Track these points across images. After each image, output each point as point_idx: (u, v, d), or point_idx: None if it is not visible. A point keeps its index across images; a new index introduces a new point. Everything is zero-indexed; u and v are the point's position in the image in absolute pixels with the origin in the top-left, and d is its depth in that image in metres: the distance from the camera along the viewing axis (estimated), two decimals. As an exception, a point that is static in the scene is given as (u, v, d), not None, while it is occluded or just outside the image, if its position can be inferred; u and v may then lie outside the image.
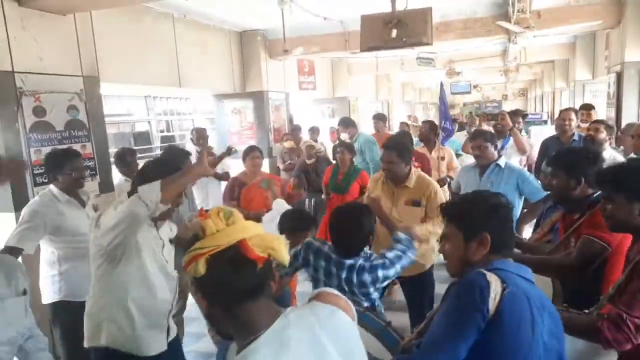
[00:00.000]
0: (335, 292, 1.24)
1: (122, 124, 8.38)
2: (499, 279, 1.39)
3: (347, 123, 6.09)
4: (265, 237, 1.12)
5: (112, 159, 4.35)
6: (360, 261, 2.19)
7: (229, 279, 1.09)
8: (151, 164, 2.42)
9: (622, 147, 4.32)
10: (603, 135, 3.84)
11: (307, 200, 6.07)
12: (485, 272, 1.41)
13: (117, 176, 4.36)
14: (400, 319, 3.55)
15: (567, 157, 2.23)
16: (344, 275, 2.17)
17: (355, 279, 2.15)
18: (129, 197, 2.14)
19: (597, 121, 4.17)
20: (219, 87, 6.67)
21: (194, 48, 5.84)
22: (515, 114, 5.63)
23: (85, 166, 3.86)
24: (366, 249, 2.28)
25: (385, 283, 2.30)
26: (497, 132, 4.78)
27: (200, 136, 5.38)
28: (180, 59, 5.55)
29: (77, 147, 3.89)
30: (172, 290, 2.41)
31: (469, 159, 4.93)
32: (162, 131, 8.45)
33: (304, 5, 5.29)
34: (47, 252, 2.93)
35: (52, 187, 2.93)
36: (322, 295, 1.22)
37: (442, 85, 5.69)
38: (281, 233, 2.69)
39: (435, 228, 3.02)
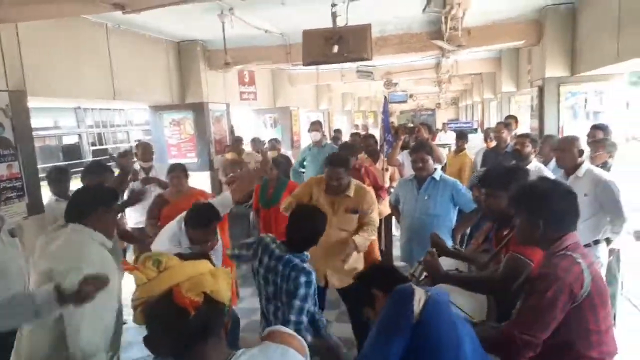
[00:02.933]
0: (289, 331, 1.26)
1: (48, 137, 7.88)
2: (423, 289, 1.53)
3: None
4: (200, 279, 1.08)
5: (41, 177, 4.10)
6: (296, 260, 2.36)
7: (166, 329, 1.07)
8: (81, 194, 2.30)
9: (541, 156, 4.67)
10: (529, 148, 4.17)
11: (250, 214, 6.04)
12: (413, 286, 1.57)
13: (46, 194, 4.11)
14: (347, 330, 3.64)
15: (502, 178, 2.38)
16: (280, 268, 2.34)
17: (288, 273, 2.30)
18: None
19: (523, 135, 4.50)
20: (157, 98, 6.46)
21: (129, 59, 5.63)
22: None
23: (10, 187, 3.63)
24: (306, 253, 2.46)
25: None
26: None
27: (145, 152, 5.22)
28: (115, 70, 5.33)
29: (2, 166, 3.64)
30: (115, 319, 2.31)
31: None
32: (93, 144, 8.03)
33: (244, 18, 5.27)
34: None
35: None
36: (274, 335, 1.22)
37: (385, 99, 5.88)
38: (192, 229, 2.71)
39: (371, 235, 3.35)
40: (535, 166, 4.12)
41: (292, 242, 2.44)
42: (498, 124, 6.01)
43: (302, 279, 2.28)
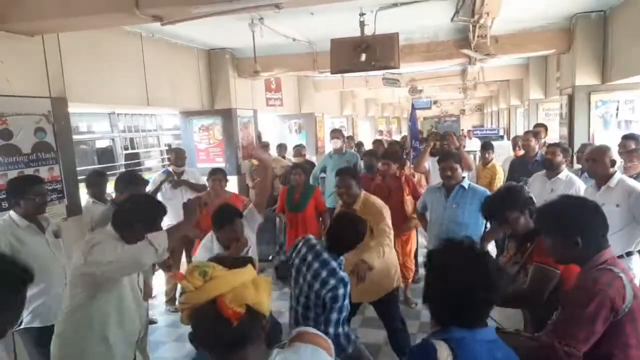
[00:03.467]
0: (315, 331, 1.32)
1: (83, 141, 8.17)
2: (450, 353, 1.29)
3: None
4: (242, 291, 1.13)
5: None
6: (334, 264, 2.45)
7: (208, 334, 1.14)
8: (128, 210, 2.38)
9: (580, 165, 4.62)
10: (560, 158, 4.12)
11: (277, 219, 6.14)
12: (437, 343, 1.32)
13: (84, 197, 4.28)
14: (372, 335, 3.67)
15: (505, 200, 2.45)
16: (316, 265, 2.45)
17: (323, 273, 2.41)
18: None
19: (554, 145, 4.46)
20: (187, 105, 6.63)
21: (162, 67, 5.81)
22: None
23: (51, 189, 3.80)
24: (342, 257, 2.57)
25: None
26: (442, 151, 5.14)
27: (178, 157, 5.44)
28: (149, 77, 5.51)
29: (44, 169, 3.81)
30: (142, 318, 2.42)
31: None
32: (126, 148, 8.28)
33: (274, 27, 5.38)
34: None
35: (12, 213, 2.89)
36: (302, 335, 1.28)
37: (413, 106, 5.91)
38: (218, 230, 2.89)
39: (383, 246, 3.23)
40: (566, 175, 4.09)
41: (333, 245, 2.54)
42: (526, 132, 5.97)
43: (341, 291, 2.34)
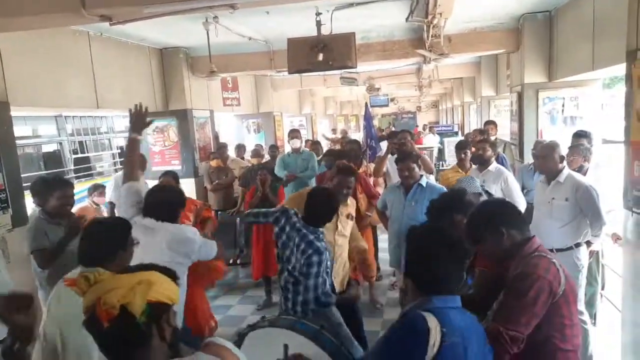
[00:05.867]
0: (224, 343, 1.31)
1: (27, 146, 7.73)
2: (438, 323, 1.48)
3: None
4: (114, 293, 1.15)
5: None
6: (311, 236, 2.71)
7: (95, 338, 1.18)
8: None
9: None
10: (489, 153, 4.44)
11: (237, 219, 6.05)
12: (425, 314, 1.50)
13: (30, 206, 4.05)
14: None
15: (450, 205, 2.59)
16: (297, 239, 2.72)
17: (303, 248, 2.67)
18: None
19: (482, 141, 4.73)
20: (140, 106, 6.40)
21: (112, 67, 5.59)
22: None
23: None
24: (322, 229, 2.82)
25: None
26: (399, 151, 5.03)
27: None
28: (98, 79, 5.28)
29: (-15, 178, 3.57)
30: None
31: None
32: (75, 152, 7.90)
33: (229, 26, 5.28)
34: None
35: None
36: (207, 345, 1.29)
37: (367, 105, 5.94)
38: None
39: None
40: (495, 167, 4.40)
41: (309, 219, 2.78)
42: (474, 130, 6.20)
43: (314, 258, 2.62)
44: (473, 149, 5.67)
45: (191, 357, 1.23)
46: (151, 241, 2.54)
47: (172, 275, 1.29)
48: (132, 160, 2.97)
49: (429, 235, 1.71)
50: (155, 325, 1.20)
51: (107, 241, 2.09)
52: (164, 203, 2.72)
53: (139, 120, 3.04)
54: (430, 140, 12.49)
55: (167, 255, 2.53)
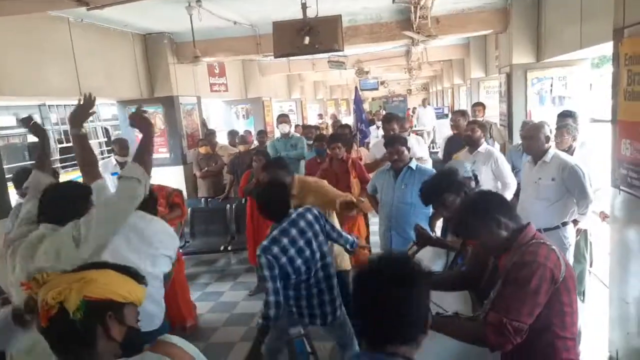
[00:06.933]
0: (174, 341, 1.28)
1: (12, 136, 7.58)
2: None
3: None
4: (56, 290, 1.14)
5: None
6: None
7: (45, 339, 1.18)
8: (51, 202, 2.02)
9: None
10: (478, 133, 4.36)
11: (227, 205, 6.02)
12: None
13: (13, 197, 3.98)
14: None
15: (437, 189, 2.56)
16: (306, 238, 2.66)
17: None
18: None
19: (472, 122, 4.72)
20: (125, 93, 6.30)
21: (94, 54, 5.46)
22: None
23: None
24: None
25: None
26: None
27: (122, 147, 5.59)
28: (80, 66, 5.16)
29: (-35, 170, 3.50)
30: None
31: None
32: (60, 141, 7.77)
33: (212, 10, 5.17)
34: None
35: None
36: (158, 344, 1.27)
37: (357, 89, 5.90)
38: None
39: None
40: (484, 148, 4.35)
41: (265, 215, 2.70)
42: (454, 112, 6.24)
43: (262, 259, 2.46)
44: (455, 131, 5.71)
45: (139, 356, 1.21)
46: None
47: (133, 274, 1.27)
48: (84, 159, 2.42)
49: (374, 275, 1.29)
50: (100, 324, 1.17)
51: (69, 199, 2.00)
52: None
53: (82, 112, 2.47)
54: (427, 116, 12.31)
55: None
